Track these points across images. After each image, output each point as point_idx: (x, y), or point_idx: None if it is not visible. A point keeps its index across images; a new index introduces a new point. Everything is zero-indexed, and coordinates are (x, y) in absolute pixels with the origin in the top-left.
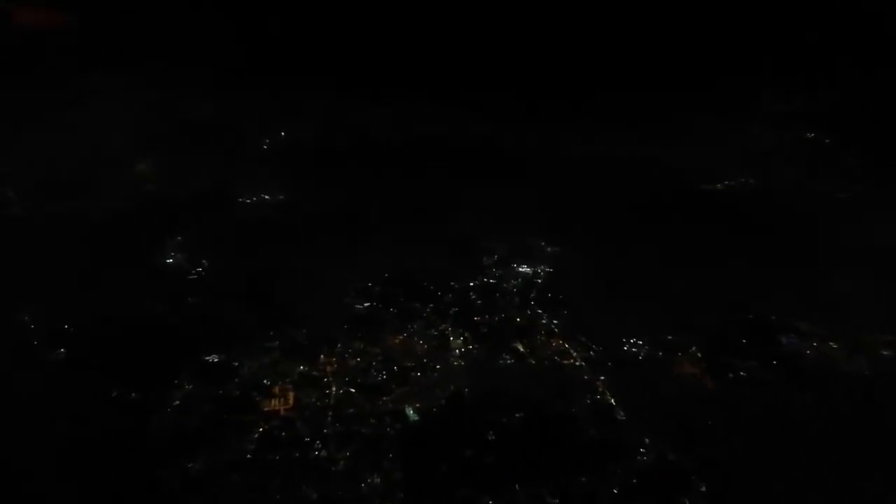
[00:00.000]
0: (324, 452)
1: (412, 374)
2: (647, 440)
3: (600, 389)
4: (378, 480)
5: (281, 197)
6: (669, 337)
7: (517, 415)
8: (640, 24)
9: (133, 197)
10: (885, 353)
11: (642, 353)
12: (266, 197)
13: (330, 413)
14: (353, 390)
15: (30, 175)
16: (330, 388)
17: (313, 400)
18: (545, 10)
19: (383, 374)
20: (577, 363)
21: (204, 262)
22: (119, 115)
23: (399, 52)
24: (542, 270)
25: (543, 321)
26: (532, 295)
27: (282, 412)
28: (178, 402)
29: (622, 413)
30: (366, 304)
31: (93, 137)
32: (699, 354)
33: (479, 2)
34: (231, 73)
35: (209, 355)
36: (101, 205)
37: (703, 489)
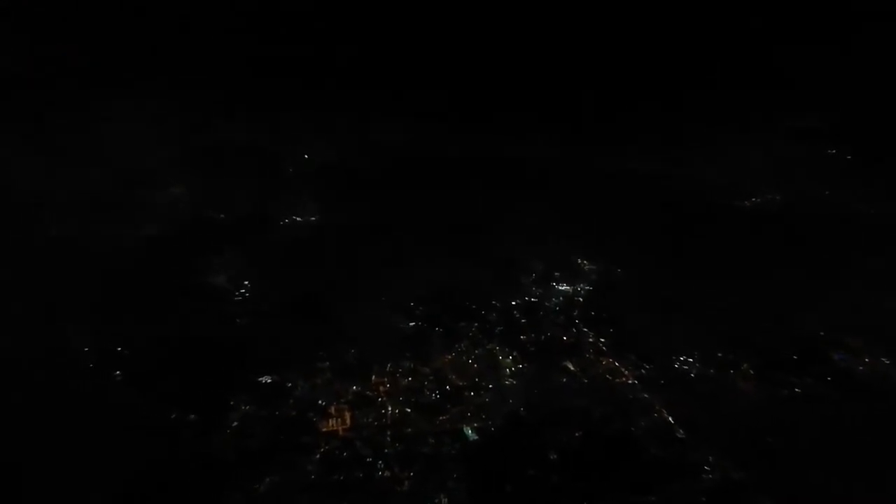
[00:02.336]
0: (387, 473)
1: (466, 393)
2: (710, 458)
3: (657, 408)
4: (445, 501)
5: (315, 218)
6: (719, 354)
7: (576, 434)
8: (661, 45)
9: (171, 219)
10: None
11: (694, 371)
12: (303, 218)
13: (388, 433)
14: (408, 410)
15: (68, 198)
16: (386, 408)
17: (370, 420)
18: (570, 32)
19: (437, 394)
20: (630, 381)
21: (247, 283)
22: (152, 138)
23: (427, 76)
24: (582, 288)
25: (590, 339)
26: (575, 313)
27: (341, 433)
28: (236, 424)
29: (682, 431)
30: (411, 324)
31: (127, 160)
32: (751, 371)
33: (506, 26)
34: (260, 96)
35: (262, 376)
36: (141, 227)
37: None
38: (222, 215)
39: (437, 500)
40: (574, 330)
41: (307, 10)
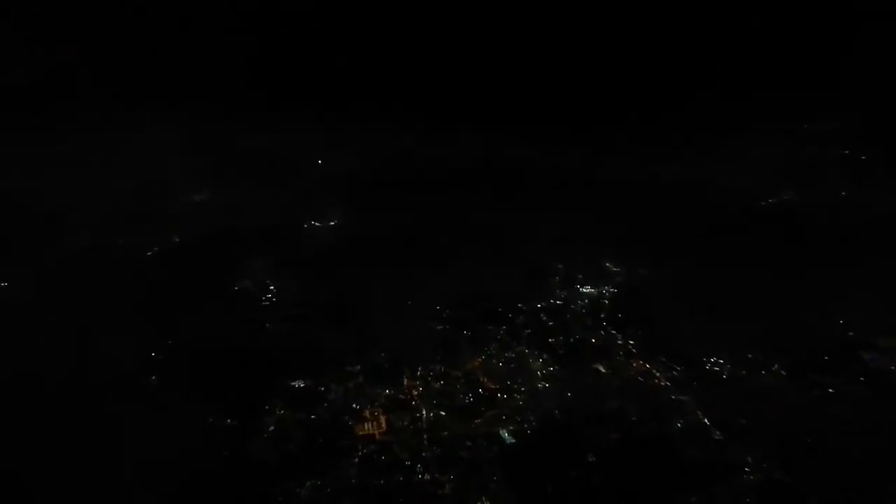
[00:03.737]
0: (427, 476)
1: (499, 396)
2: (750, 459)
3: (691, 409)
4: (488, 503)
5: (337, 224)
6: (749, 355)
7: (613, 436)
8: (670, 48)
9: (195, 226)
10: None
11: (725, 372)
12: (325, 224)
13: (425, 436)
14: (443, 413)
15: (92, 208)
16: (420, 412)
17: (406, 423)
18: (584, 38)
19: (470, 397)
20: (663, 383)
21: (273, 289)
22: (169, 147)
23: (442, 82)
24: (608, 290)
25: (619, 341)
26: (602, 315)
27: (377, 436)
28: (273, 428)
29: (719, 433)
30: (438, 328)
31: (146, 170)
32: (783, 372)
33: (521, 31)
34: (276, 104)
35: (294, 381)
36: (165, 235)
37: None
38: (245, 222)
39: (480, 503)
40: (602, 332)
41: (322, 18)
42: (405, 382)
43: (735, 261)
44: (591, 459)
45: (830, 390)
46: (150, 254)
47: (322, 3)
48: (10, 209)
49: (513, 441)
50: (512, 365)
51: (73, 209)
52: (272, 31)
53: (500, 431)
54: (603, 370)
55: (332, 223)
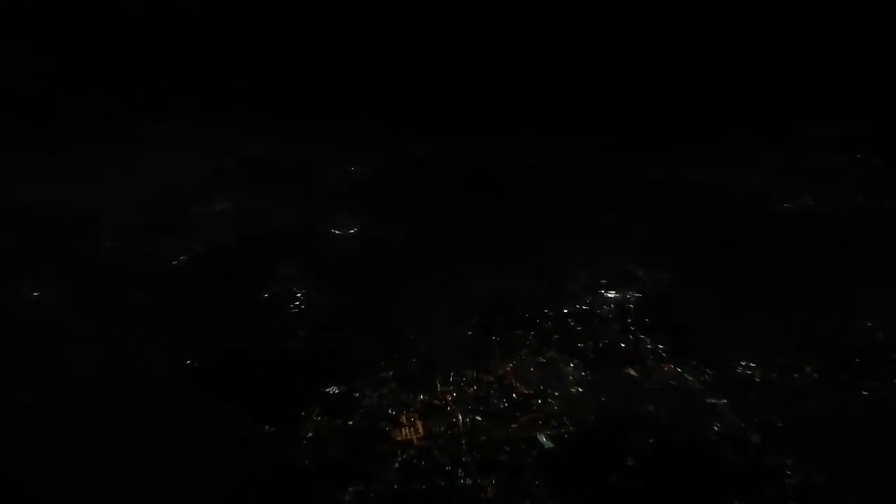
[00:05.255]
0: (468, 481)
1: (533, 401)
2: (789, 462)
3: (726, 413)
4: None
5: (361, 230)
6: (780, 359)
7: (651, 440)
8: (689, 55)
9: (218, 234)
10: None
11: (758, 376)
12: (348, 231)
13: (463, 441)
14: (479, 418)
15: (117, 217)
16: (456, 417)
17: (442, 428)
18: (602, 44)
19: (504, 402)
20: (696, 387)
21: (299, 296)
22: (188, 156)
23: (458, 87)
24: (631, 295)
25: (649, 346)
26: (630, 320)
27: (415, 441)
28: (311, 435)
29: (756, 436)
30: (468, 333)
31: (167, 179)
32: (815, 375)
33: (538, 37)
34: (292, 111)
35: (329, 387)
36: (190, 243)
37: None
38: (268, 229)
39: None
40: (631, 337)
41: (336, 24)
42: (439, 388)
43: (756, 264)
44: (630, 463)
45: (864, 393)
46: (176, 263)
47: (337, 9)
48: (36, 219)
49: (551, 445)
50: (544, 370)
51: (97, 220)
52: (286, 37)
53: (538, 436)
54: (635, 374)
55: (355, 230)
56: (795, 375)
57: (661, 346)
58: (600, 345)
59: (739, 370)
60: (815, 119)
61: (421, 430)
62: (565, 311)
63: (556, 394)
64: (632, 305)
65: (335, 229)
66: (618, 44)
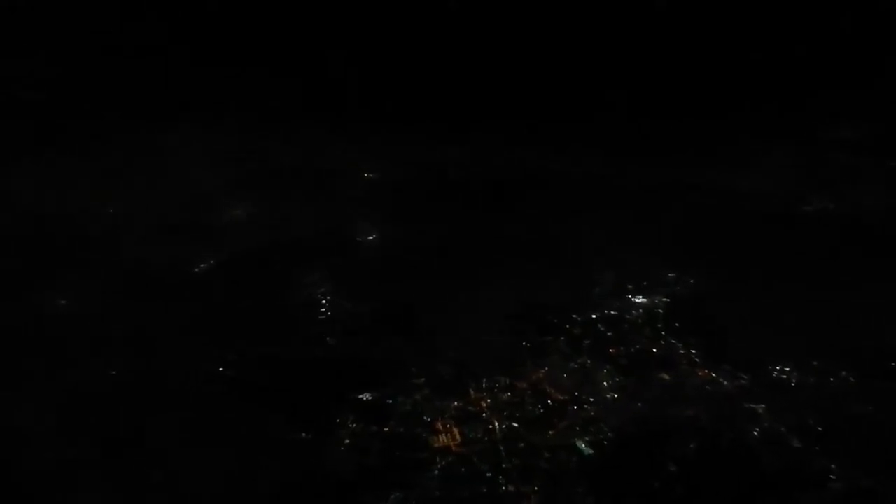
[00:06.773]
0: (511, 488)
1: (568, 407)
2: (833, 466)
3: (764, 417)
4: None
5: (383, 237)
6: (814, 362)
7: (690, 445)
8: (699, 54)
9: (238, 241)
10: None
11: (793, 380)
12: (370, 237)
13: (502, 448)
14: (515, 425)
15: (136, 225)
16: (492, 423)
17: (480, 435)
18: (613, 47)
19: (540, 409)
20: (731, 391)
21: (324, 302)
22: (202, 163)
23: (474, 91)
24: (660, 300)
25: (681, 350)
26: (659, 325)
27: (453, 448)
28: (348, 441)
29: (797, 441)
30: (497, 339)
31: (183, 187)
32: (851, 379)
33: (547, 43)
34: (305, 117)
35: (361, 393)
36: (212, 250)
37: None
38: (291, 235)
39: None
40: (662, 342)
41: (348, 30)
42: (472, 394)
43: (782, 267)
44: (672, 469)
45: None
46: (197, 269)
47: (352, 13)
48: (60, 227)
49: (591, 452)
50: (577, 376)
51: (119, 227)
52: (306, 44)
53: (577, 442)
54: (668, 379)
55: (378, 235)
56: (832, 379)
57: (693, 351)
58: (632, 350)
59: (775, 374)
60: (830, 119)
61: (458, 436)
62: (594, 316)
63: (591, 399)
64: (661, 310)
65: (358, 236)
66: (629, 49)
